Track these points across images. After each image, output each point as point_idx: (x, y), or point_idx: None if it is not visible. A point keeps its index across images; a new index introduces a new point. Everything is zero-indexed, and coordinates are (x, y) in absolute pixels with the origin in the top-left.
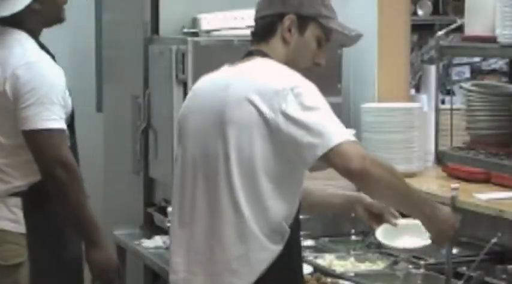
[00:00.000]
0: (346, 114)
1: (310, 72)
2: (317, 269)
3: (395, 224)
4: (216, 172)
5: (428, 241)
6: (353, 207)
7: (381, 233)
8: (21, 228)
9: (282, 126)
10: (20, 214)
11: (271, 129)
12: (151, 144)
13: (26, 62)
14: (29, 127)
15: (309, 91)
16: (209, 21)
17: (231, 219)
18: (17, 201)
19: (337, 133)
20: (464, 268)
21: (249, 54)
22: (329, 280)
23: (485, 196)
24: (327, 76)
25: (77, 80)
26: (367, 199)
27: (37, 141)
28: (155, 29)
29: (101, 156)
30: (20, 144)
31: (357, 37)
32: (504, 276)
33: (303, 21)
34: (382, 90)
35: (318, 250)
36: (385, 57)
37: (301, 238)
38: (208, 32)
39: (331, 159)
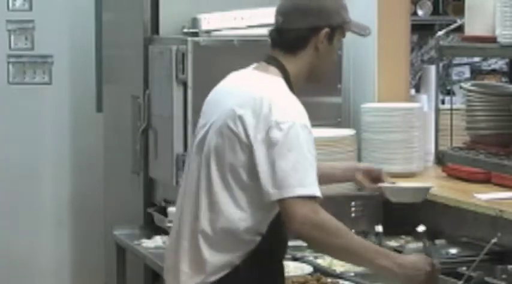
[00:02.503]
0: (346, 114)
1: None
2: (317, 269)
3: (393, 182)
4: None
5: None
6: (353, 174)
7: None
8: None
9: (257, 152)
10: None
11: (250, 149)
12: (151, 144)
13: None
14: None
15: (300, 129)
16: (209, 21)
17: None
18: None
19: (295, 187)
20: (464, 268)
21: (267, 60)
22: (329, 280)
23: (485, 196)
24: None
25: (77, 80)
26: (365, 165)
27: None
28: (155, 29)
29: (101, 156)
30: None
31: (369, 33)
32: (504, 276)
33: (332, 32)
34: (382, 90)
35: None
36: (385, 57)
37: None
38: (208, 32)
39: (280, 208)
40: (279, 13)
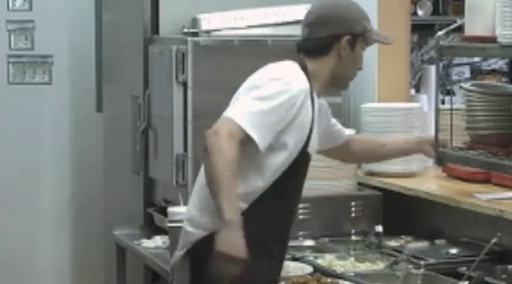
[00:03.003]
0: (346, 114)
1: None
2: (317, 269)
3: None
4: None
5: None
6: (423, 146)
7: None
8: None
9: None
10: None
11: None
12: (151, 144)
13: None
14: None
15: (278, 87)
16: (209, 21)
17: None
18: None
19: (234, 112)
20: (464, 268)
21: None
22: (329, 280)
23: (485, 196)
24: None
25: (77, 80)
26: (431, 135)
27: None
28: (155, 29)
29: (101, 156)
30: None
31: (392, 41)
32: (504, 276)
33: (354, 39)
34: (382, 90)
35: (318, 250)
36: (385, 57)
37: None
38: (208, 32)
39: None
40: (304, 25)
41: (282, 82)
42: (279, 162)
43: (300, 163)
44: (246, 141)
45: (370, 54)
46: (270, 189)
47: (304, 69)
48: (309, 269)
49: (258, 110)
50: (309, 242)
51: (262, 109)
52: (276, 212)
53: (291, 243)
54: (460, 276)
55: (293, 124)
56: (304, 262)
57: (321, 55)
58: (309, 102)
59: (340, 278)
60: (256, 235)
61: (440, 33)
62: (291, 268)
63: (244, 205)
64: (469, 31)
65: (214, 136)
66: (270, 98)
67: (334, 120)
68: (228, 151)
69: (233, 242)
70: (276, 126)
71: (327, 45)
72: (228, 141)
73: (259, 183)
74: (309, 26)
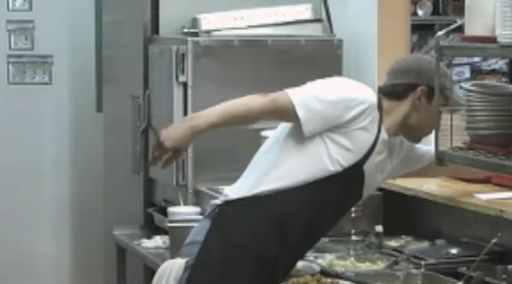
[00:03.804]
0: None
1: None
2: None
3: None
4: None
5: None
6: None
7: None
8: None
9: None
10: None
11: None
12: (152, 144)
13: None
14: None
15: (345, 87)
16: (209, 21)
17: None
18: None
19: (293, 90)
20: (464, 268)
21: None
22: (329, 280)
23: (485, 196)
24: (327, 76)
25: (77, 80)
26: None
27: None
28: (155, 29)
29: (101, 156)
30: None
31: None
32: (504, 276)
33: (430, 91)
34: None
35: (318, 250)
36: (385, 57)
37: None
38: (208, 32)
39: None
40: (386, 73)
41: (350, 85)
42: (324, 157)
43: (346, 179)
44: (293, 119)
45: (370, 54)
46: (310, 191)
47: (379, 105)
48: (317, 268)
49: (316, 96)
50: None
51: (322, 98)
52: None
53: None
54: (460, 276)
55: (348, 128)
56: (304, 262)
57: (396, 99)
58: (372, 118)
59: (340, 278)
60: (283, 212)
61: (440, 33)
62: (300, 266)
63: (283, 183)
64: (469, 31)
65: (260, 95)
66: (333, 92)
67: (419, 145)
68: (255, 105)
69: (171, 131)
70: (329, 119)
71: (402, 92)
72: (264, 100)
73: (299, 169)
74: (389, 74)
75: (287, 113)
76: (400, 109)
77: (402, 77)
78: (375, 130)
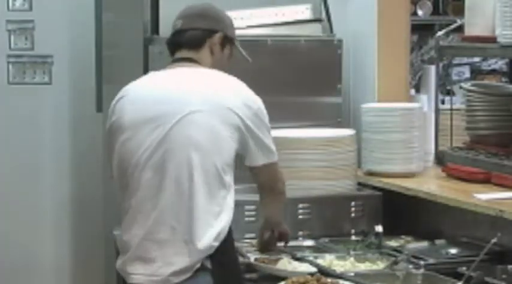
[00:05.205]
0: (346, 114)
1: None
2: (317, 269)
3: None
4: None
5: None
6: (263, 231)
7: None
8: None
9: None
10: None
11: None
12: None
13: None
14: None
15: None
16: None
17: None
18: None
19: (275, 153)
20: (464, 268)
21: (179, 60)
22: (329, 280)
23: (485, 196)
24: (327, 76)
25: (77, 80)
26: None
27: None
28: (155, 29)
29: (101, 156)
30: None
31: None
32: (504, 276)
33: (225, 40)
34: (382, 90)
35: (318, 250)
36: (385, 57)
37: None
38: None
39: (263, 171)
40: (178, 18)
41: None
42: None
43: None
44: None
45: (370, 54)
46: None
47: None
48: (312, 269)
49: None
50: (309, 242)
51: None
52: None
53: (291, 243)
54: (460, 276)
55: None
56: (304, 262)
57: (198, 48)
58: None
59: (340, 278)
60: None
61: (440, 33)
62: (295, 266)
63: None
64: (469, 31)
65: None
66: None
67: None
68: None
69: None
70: None
71: (202, 38)
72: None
73: None
74: (183, 19)
75: None
76: (206, 59)
77: (199, 22)
78: None
